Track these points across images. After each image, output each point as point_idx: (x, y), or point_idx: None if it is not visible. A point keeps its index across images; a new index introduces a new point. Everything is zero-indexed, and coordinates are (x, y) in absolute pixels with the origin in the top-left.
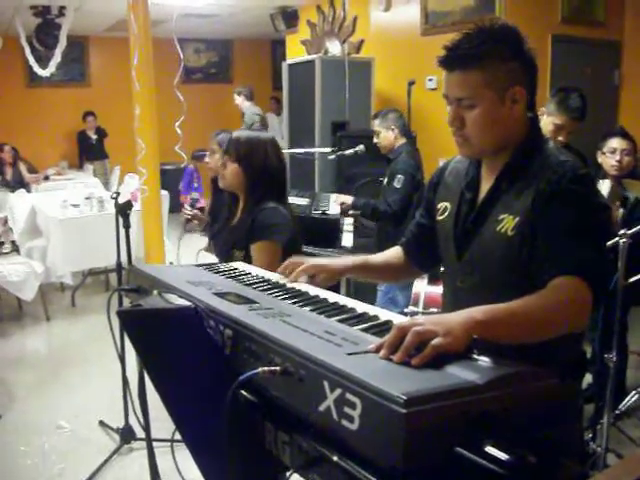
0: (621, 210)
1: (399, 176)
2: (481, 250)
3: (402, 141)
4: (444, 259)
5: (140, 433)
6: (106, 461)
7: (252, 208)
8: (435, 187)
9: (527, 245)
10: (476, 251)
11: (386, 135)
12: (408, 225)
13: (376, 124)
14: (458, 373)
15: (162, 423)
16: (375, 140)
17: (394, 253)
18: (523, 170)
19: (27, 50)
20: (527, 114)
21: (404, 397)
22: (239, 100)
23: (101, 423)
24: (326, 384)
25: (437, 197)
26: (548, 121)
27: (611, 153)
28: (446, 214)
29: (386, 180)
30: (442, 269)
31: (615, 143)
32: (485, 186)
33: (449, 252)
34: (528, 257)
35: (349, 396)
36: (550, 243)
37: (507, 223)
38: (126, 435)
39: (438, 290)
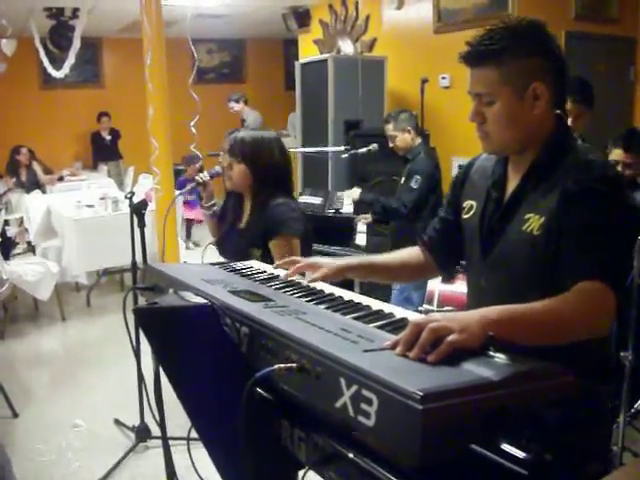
0: None
1: (417, 177)
2: (506, 249)
3: (419, 140)
4: (469, 258)
5: (156, 431)
6: (122, 459)
7: (261, 207)
8: (461, 185)
9: (552, 245)
10: (501, 250)
11: (403, 137)
12: (423, 224)
13: (390, 129)
14: (474, 370)
15: (177, 421)
16: (391, 145)
17: (410, 252)
18: (550, 169)
19: (41, 52)
20: (553, 111)
21: (420, 393)
22: (239, 107)
23: (117, 421)
24: (342, 381)
25: (463, 195)
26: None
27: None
28: (472, 212)
29: (403, 180)
30: (466, 268)
31: (615, 155)
32: (512, 185)
33: (474, 251)
34: (553, 257)
35: (365, 392)
36: (573, 244)
37: (533, 222)
38: (142, 433)
39: (452, 288)
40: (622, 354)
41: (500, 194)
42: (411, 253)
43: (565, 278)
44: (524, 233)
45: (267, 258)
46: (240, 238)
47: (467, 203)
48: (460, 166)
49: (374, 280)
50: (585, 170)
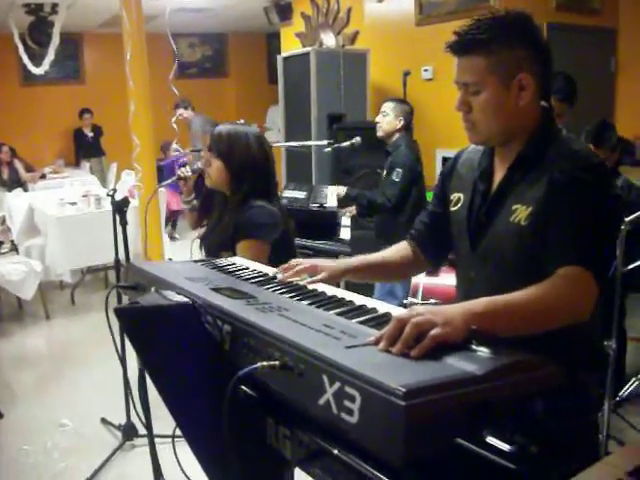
0: None
1: (398, 169)
2: (495, 241)
3: (400, 134)
4: (457, 250)
5: (142, 429)
6: (109, 458)
7: (238, 207)
8: (448, 177)
9: (540, 235)
10: (490, 242)
11: (392, 121)
12: (406, 217)
13: (389, 106)
14: (457, 364)
15: (164, 419)
16: (378, 119)
17: (399, 248)
18: (536, 160)
19: (20, 48)
20: (539, 103)
21: (403, 389)
22: (187, 113)
23: (103, 420)
24: (325, 378)
25: (450, 187)
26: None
27: None
28: (459, 205)
29: (385, 173)
30: (454, 260)
31: None
32: (498, 176)
33: (462, 243)
34: (540, 247)
35: (348, 389)
36: (557, 231)
37: (520, 213)
38: (128, 432)
39: (436, 281)
40: (606, 343)
41: (487, 186)
42: (400, 249)
43: (548, 263)
44: (512, 224)
45: None
46: (215, 237)
47: (455, 195)
48: (446, 159)
49: (373, 281)
50: (570, 160)
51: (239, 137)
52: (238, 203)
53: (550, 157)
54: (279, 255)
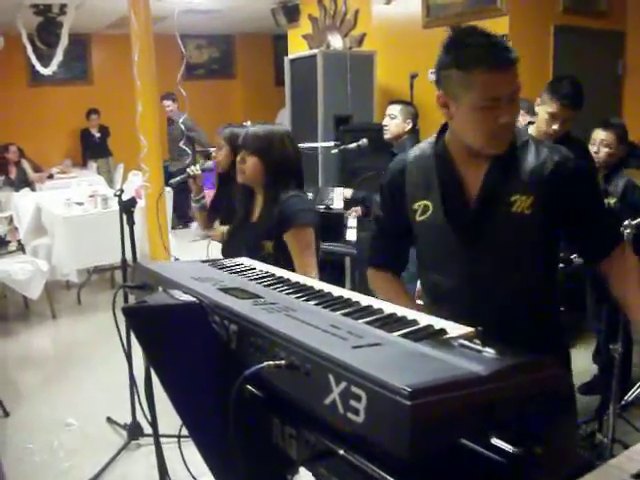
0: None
1: None
2: (497, 233)
3: (407, 136)
4: (431, 255)
5: (148, 429)
6: (114, 457)
7: (274, 200)
8: (399, 190)
9: (544, 222)
10: (491, 235)
11: (400, 124)
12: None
13: (397, 109)
14: (463, 364)
15: (169, 419)
16: (385, 122)
17: (389, 280)
18: (512, 151)
19: (29, 49)
20: None
21: (409, 389)
22: (174, 105)
23: (109, 420)
24: (331, 377)
25: (408, 199)
26: (542, 110)
27: (592, 144)
28: (429, 212)
29: None
30: (423, 266)
31: (595, 134)
32: (471, 173)
33: (445, 246)
34: (545, 231)
35: (354, 389)
36: (597, 219)
37: (521, 203)
38: (133, 431)
39: None
40: (611, 346)
41: (459, 186)
42: (390, 283)
43: (600, 249)
44: (515, 214)
45: (279, 250)
46: (251, 232)
47: (418, 205)
48: (384, 177)
49: None
50: (560, 153)
51: (275, 137)
52: (274, 197)
53: (524, 149)
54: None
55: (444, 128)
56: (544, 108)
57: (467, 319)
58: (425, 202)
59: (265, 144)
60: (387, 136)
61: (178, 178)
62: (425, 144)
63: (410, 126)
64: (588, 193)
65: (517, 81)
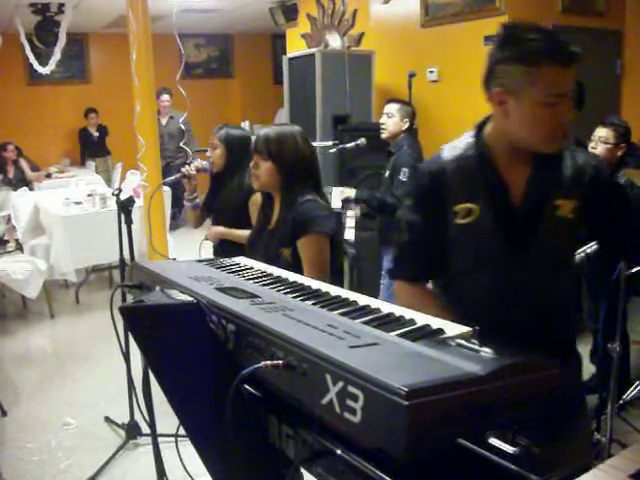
0: None
1: (404, 169)
2: (545, 237)
3: (404, 134)
4: (470, 260)
5: (146, 428)
6: (112, 457)
7: (290, 204)
8: (438, 194)
9: (579, 224)
10: (539, 239)
11: (398, 123)
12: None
13: (395, 107)
14: (460, 364)
15: (168, 418)
16: (383, 120)
17: (421, 293)
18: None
19: (27, 48)
20: None
21: (405, 389)
22: (170, 101)
23: (107, 419)
24: (328, 377)
25: (448, 202)
26: None
27: (590, 141)
28: (473, 215)
29: (388, 173)
30: (461, 271)
31: (595, 131)
32: (513, 174)
33: (489, 250)
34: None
35: (351, 389)
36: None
37: (565, 207)
38: (132, 431)
39: None
40: (609, 346)
41: (505, 190)
42: (420, 294)
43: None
44: (561, 218)
45: (297, 257)
46: (270, 239)
47: (460, 207)
48: (414, 178)
49: None
50: (595, 158)
51: (287, 137)
52: (290, 201)
53: (561, 152)
54: (334, 250)
55: (481, 127)
56: None
57: (502, 323)
58: (468, 205)
59: (277, 146)
60: (384, 135)
61: (172, 177)
62: (462, 143)
63: (407, 125)
64: (618, 195)
65: (573, 82)
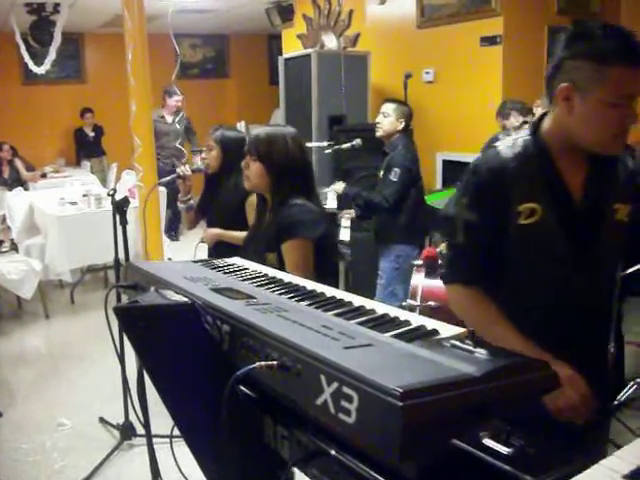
0: None
1: (396, 169)
2: (608, 238)
3: (399, 135)
4: (532, 261)
5: (141, 429)
6: (107, 457)
7: (279, 207)
8: (501, 193)
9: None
10: (604, 240)
11: (393, 122)
12: (406, 218)
13: (391, 107)
14: (455, 365)
15: (162, 419)
16: (378, 119)
17: (482, 299)
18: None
19: (22, 48)
20: None
21: (400, 390)
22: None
23: (101, 420)
24: (323, 378)
25: (512, 201)
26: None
27: None
28: (537, 216)
29: (382, 173)
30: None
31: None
32: (570, 173)
33: (553, 251)
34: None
35: (346, 389)
36: None
37: (622, 210)
38: (126, 431)
39: (436, 283)
40: None
41: (565, 188)
42: (478, 298)
43: None
44: (618, 222)
45: (282, 261)
46: (259, 242)
47: (525, 207)
48: (446, 162)
49: None
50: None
51: (277, 139)
52: (279, 203)
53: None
54: (321, 254)
55: (537, 124)
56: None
57: (557, 324)
58: (532, 205)
59: (267, 147)
60: (379, 133)
61: (168, 178)
62: (520, 140)
63: (402, 125)
64: None
65: None
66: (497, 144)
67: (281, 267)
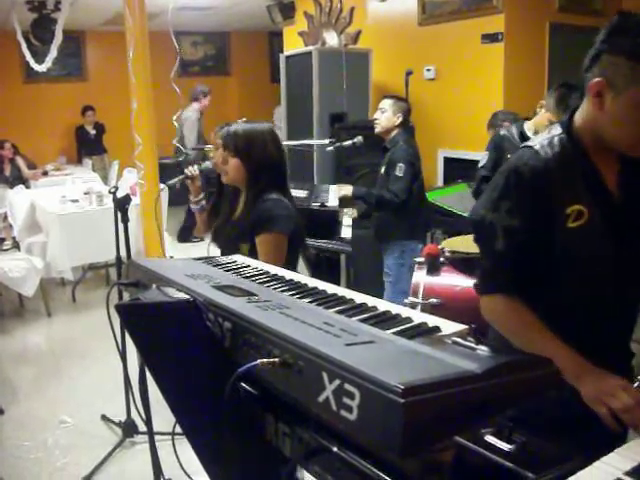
0: None
1: (400, 164)
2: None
3: (399, 130)
4: (582, 266)
5: (142, 426)
6: (109, 455)
7: (254, 201)
8: (542, 193)
9: None
10: (636, 246)
11: (390, 118)
12: (408, 214)
13: (388, 103)
14: (456, 362)
15: (164, 416)
16: (376, 115)
17: (519, 307)
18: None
19: (23, 45)
20: None
21: (402, 387)
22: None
23: (103, 417)
24: (325, 375)
25: (556, 204)
26: (545, 116)
27: None
28: (584, 218)
29: (384, 169)
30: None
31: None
32: (605, 171)
33: (602, 253)
34: None
35: (348, 387)
36: None
37: None
38: (128, 429)
39: (438, 281)
40: None
41: (606, 188)
42: (522, 308)
43: None
44: None
45: (254, 253)
46: (232, 231)
47: (571, 210)
48: (448, 159)
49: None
50: None
51: (256, 135)
52: (254, 197)
53: None
54: (291, 249)
55: (569, 120)
56: (547, 115)
57: (603, 326)
58: (578, 206)
59: (245, 144)
60: (377, 130)
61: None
62: (556, 139)
63: (400, 120)
64: None
65: None
66: (530, 144)
67: (253, 258)
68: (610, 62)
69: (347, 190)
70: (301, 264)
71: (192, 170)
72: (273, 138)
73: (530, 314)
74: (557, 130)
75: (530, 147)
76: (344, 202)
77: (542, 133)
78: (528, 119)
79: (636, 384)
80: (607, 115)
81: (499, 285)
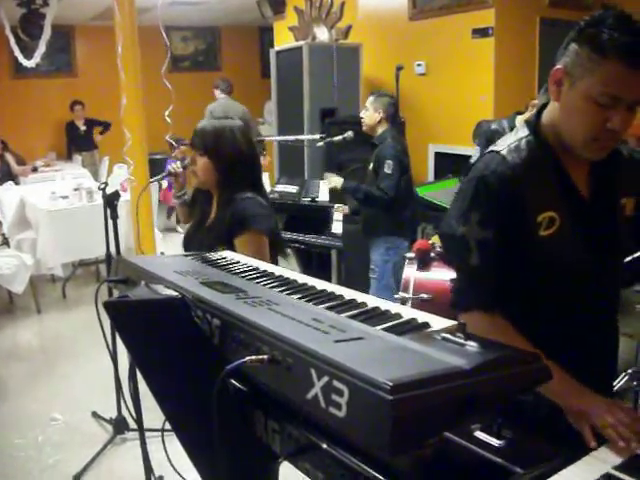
0: None
1: (388, 161)
2: (619, 238)
3: (385, 127)
4: (557, 274)
5: (133, 423)
6: (100, 452)
7: (228, 201)
8: (515, 201)
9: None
10: (612, 244)
11: (371, 115)
12: (396, 210)
13: (369, 100)
14: (445, 358)
15: (155, 413)
16: (362, 114)
17: (504, 324)
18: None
19: (12, 41)
20: None
21: (390, 384)
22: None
23: (94, 414)
24: (313, 372)
25: (528, 212)
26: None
27: None
28: (556, 225)
29: (372, 166)
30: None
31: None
32: (576, 175)
33: (576, 260)
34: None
35: (336, 383)
36: None
37: (629, 205)
38: (119, 426)
39: (428, 275)
40: None
41: (577, 191)
42: (505, 326)
43: None
44: (628, 218)
45: None
46: (206, 236)
47: (542, 217)
48: (438, 154)
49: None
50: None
51: (225, 132)
52: (228, 197)
53: None
54: (271, 248)
55: (535, 122)
56: None
57: (577, 325)
58: (550, 213)
59: (213, 142)
60: (364, 128)
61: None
62: (523, 142)
63: (382, 115)
64: None
65: None
66: (497, 148)
67: None
68: (574, 51)
69: (337, 182)
70: (292, 261)
71: (175, 167)
72: (243, 133)
73: (510, 329)
74: (524, 132)
75: (497, 152)
76: (334, 195)
77: (509, 134)
78: (520, 113)
79: (624, 377)
80: (562, 105)
81: (477, 301)
